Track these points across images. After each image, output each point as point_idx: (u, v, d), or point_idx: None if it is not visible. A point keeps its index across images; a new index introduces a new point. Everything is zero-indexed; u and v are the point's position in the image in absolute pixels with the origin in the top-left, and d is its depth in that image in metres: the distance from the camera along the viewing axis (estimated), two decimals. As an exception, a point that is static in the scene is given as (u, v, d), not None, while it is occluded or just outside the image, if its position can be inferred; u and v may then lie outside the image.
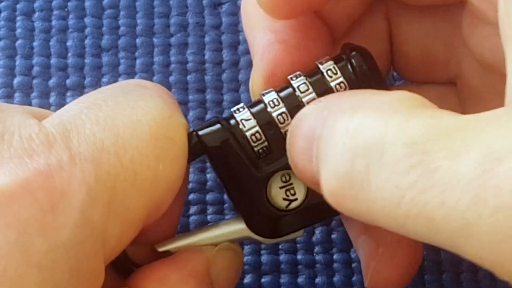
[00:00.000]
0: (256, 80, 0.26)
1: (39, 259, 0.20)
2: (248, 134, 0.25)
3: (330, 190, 0.20)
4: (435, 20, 0.27)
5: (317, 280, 0.31)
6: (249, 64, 0.34)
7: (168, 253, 0.26)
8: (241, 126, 0.25)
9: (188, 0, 0.35)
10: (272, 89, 0.25)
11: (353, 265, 0.31)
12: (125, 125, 0.23)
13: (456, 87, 0.28)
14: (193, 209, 0.32)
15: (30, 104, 0.33)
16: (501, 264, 0.17)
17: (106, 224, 0.22)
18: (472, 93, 0.27)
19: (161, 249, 0.26)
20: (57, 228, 0.21)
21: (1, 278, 0.20)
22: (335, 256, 0.31)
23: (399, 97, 0.20)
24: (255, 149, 0.25)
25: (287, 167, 0.24)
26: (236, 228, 0.26)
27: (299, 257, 0.31)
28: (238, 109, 0.25)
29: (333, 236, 0.32)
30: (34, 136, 0.22)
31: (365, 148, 0.19)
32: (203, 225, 0.32)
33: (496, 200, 0.17)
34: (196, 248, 0.25)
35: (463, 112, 0.27)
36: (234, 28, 0.34)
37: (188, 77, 0.34)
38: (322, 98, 0.23)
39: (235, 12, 0.34)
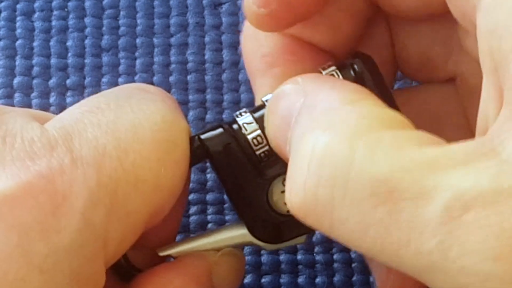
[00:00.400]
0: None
1: (40, 262, 0.20)
2: (250, 137, 0.25)
3: (292, 206, 0.20)
4: (431, 26, 0.27)
5: (317, 280, 0.31)
6: (249, 64, 0.34)
7: (169, 258, 0.26)
8: (243, 130, 0.25)
9: (188, 0, 0.35)
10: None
11: (353, 265, 0.31)
12: (127, 129, 0.23)
13: (456, 85, 0.28)
14: (193, 209, 0.32)
15: (30, 104, 0.33)
16: None
17: (107, 227, 0.22)
18: (471, 91, 0.27)
19: (162, 254, 0.26)
20: (58, 231, 0.21)
21: (2, 281, 0.20)
22: (335, 256, 0.31)
23: (367, 115, 0.20)
24: (257, 153, 0.25)
25: None
26: (237, 233, 0.26)
27: (299, 257, 0.31)
28: (240, 113, 0.25)
29: (333, 236, 0.32)
30: (36, 139, 0.22)
31: (330, 178, 0.19)
32: (203, 225, 0.32)
33: (461, 248, 0.17)
34: (199, 254, 0.25)
35: (464, 110, 0.27)
36: (234, 28, 0.34)
37: (188, 77, 0.34)
38: (299, 78, 0.23)
39: (235, 12, 0.34)
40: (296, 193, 0.20)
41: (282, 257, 0.31)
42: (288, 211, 0.25)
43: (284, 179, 0.25)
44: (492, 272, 0.17)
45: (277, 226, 0.25)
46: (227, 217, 0.32)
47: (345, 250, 0.31)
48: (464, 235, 0.17)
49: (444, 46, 0.27)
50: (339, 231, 0.19)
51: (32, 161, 0.21)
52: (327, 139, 0.19)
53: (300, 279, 0.31)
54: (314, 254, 0.31)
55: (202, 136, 0.25)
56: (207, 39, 0.34)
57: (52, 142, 0.22)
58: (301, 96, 0.22)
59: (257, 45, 0.26)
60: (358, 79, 0.25)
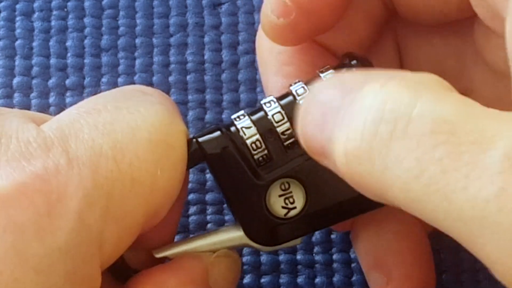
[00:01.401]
0: None
1: (35, 262, 0.20)
2: (248, 142, 0.25)
3: (347, 152, 0.19)
4: (445, 36, 0.27)
5: (317, 280, 0.31)
6: (249, 64, 0.34)
7: (166, 259, 0.26)
8: (241, 133, 0.25)
9: (187, 0, 0.35)
10: (272, 97, 0.25)
11: (353, 265, 0.31)
12: (124, 130, 0.23)
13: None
14: (192, 209, 0.32)
15: (29, 104, 0.33)
16: (509, 266, 0.17)
17: (103, 228, 0.22)
18: (486, 105, 0.27)
19: (159, 255, 0.26)
20: (54, 231, 0.21)
21: None
22: (334, 256, 0.31)
23: (430, 77, 0.20)
24: (255, 157, 0.25)
25: (287, 175, 0.24)
26: (234, 235, 0.26)
27: (298, 257, 0.31)
28: (238, 117, 0.25)
29: (333, 236, 0.32)
30: (32, 140, 0.22)
31: (392, 115, 0.18)
32: (203, 225, 0.32)
33: None
34: (195, 255, 0.25)
35: None
36: (233, 28, 0.34)
37: (188, 77, 0.34)
38: (345, 72, 0.22)
39: (235, 12, 0.34)
40: (353, 136, 0.19)
41: (281, 257, 0.31)
42: (285, 215, 0.25)
43: (281, 183, 0.25)
44: None
45: (274, 228, 0.25)
46: (226, 217, 0.32)
47: (345, 250, 0.31)
48: None
49: (457, 59, 0.27)
50: (392, 172, 0.18)
51: (27, 161, 0.21)
52: (389, 86, 0.19)
53: (300, 279, 0.31)
54: (314, 254, 0.31)
55: (200, 139, 0.25)
56: (206, 39, 0.34)
57: (48, 143, 0.22)
58: (348, 83, 0.21)
59: (272, 43, 0.26)
60: None
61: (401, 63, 0.28)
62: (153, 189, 0.23)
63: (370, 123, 0.19)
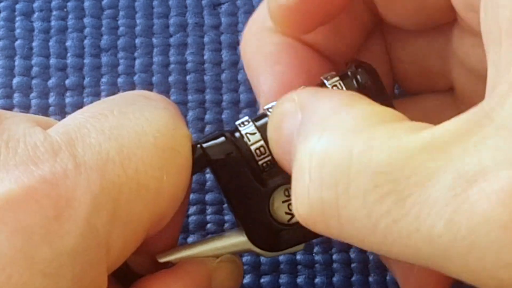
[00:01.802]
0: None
1: (44, 266, 0.20)
2: (253, 148, 0.25)
3: (300, 216, 0.20)
4: (429, 38, 0.27)
5: (317, 280, 0.31)
6: (249, 65, 0.34)
7: (169, 264, 0.26)
8: (245, 139, 0.25)
9: (187, 1, 0.35)
10: (276, 103, 0.25)
11: (353, 265, 0.31)
12: (130, 135, 0.23)
13: (453, 95, 0.28)
14: (192, 209, 0.32)
15: (29, 105, 0.33)
16: (483, 282, 0.17)
17: (110, 232, 0.22)
18: (466, 101, 0.27)
19: (162, 260, 0.26)
20: (62, 235, 0.21)
21: (6, 285, 0.20)
22: (334, 256, 0.31)
23: (362, 114, 0.20)
24: (259, 163, 0.25)
25: (291, 181, 0.25)
26: (237, 240, 0.26)
27: (298, 257, 0.31)
28: (243, 122, 0.25)
29: (333, 236, 0.32)
30: (39, 144, 0.22)
31: (332, 179, 0.19)
32: (203, 225, 0.32)
33: (469, 223, 0.17)
34: (198, 260, 0.26)
35: None
36: (233, 28, 0.34)
37: (188, 77, 0.34)
38: (294, 95, 0.23)
39: (235, 12, 0.34)
40: (302, 202, 0.20)
41: (281, 258, 0.31)
42: (288, 221, 0.25)
43: (285, 189, 0.25)
44: (504, 241, 0.16)
45: (277, 234, 0.25)
46: (226, 217, 0.32)
47: (344, 250, 0.31)
48: (470, 208, 0.17)
49: (439, 57, 0.27)
50: (349, 231, 0.19)
51: (35, 165, 0.21)
52: (323, 142, 0.20)
53: (299, 279, 0.31)
54: (313, 254, 0.31)
55: (204, 145, 0.25)
56: (206, 39, 0.34)
57: (55, 147, 0.22)
58: (298, 113, 0.22)
59: (260, 43, 0.26)
60: (361, 90, 0.24)
61: (390, 63, 0.28)
62: (159, 194, 0.23)
63: (313, 191, 0.19)
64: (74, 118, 0.23)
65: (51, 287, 0.20)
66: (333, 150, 0.19)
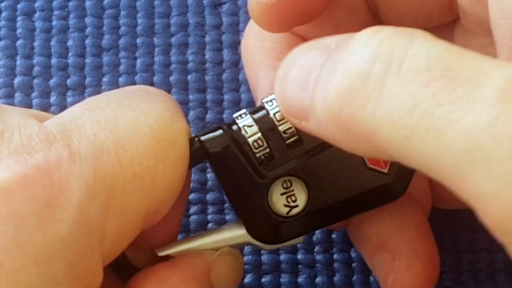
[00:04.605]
0: None
1: (36, 253, 0.20)
2: (250, 140, 0.25)
3: (339, 91, 0.19)
4: None
5: (317, 279, 0.31)
6: (249, 64, 0.34)
7: (168, 258, 0.26)
8: (243, 132, 0.25)
9: (188, 0, 0.35)
10: (274, 95, 0.25)
11: (353, 264, 0.31)
12: (126, 126, 0.23)
13: None
14: (193, 209, 0.32)
15: (30, 104, 0.33)
16: (496, 203, 0.16)
17: (104, 222, 0.22)
18: None
19: (161, 254, 0.26)
20: (54, 223, 0.21)
21: None
22: (335, 256, 0.31)
23: (422, 31, 0.20)
24: (257, 155, 0.25)
25: (289, 173, 0.24)
26: (236, 233, 0.26)
27: (299, 256, 0.31)
28: (240, 115, 0.25)
29: (333, 235, 0.32)
30: (34, 135, 0.22)
31: (387, 54, 0.18)
32: (203, 225, 0.32)
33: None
34: (197, 252, 0.26)
35: None
36: (234, 28, 0.34)
37: (189, 77, 0.34)
38: (328, 38, 0.22)
39: (236, 12, 0.35)
40: (345, 74, 0.19)
41: (282, 257, 0.31)
42: (287, 213, 0.25)
43: (283, 182, 0.25)
44: None
45: (276, 227, 0.25)
46: (227, 217, 0.32)
47: (345, 250, 0.31)
48: None
49: None
50: (386, 109, 0.18)
51: (29, 154, 0.21)
52: (382, 33, 0.19)
53: (300, 279, 0.31)
54: (314, 254, 0.31)
55: (202, 138, 0.25)
56: (207, 39, 0.34)
57: (50, 137, 0.22)
58: (330, 45, 0.21)
59: (261, 40, 0.26)
60: None
61: None
62: (154, 185, 0.23)
63: (364, 62, 0.19)
64: (70, 111, 0.24)
65: (43, 274, 0.20)
66: (394, 35, 0.19)
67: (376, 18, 0.27)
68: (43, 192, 0.21)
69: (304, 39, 0.27)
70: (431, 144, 0.17)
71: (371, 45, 0.19)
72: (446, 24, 0.26)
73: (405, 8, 0.26)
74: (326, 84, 0.20)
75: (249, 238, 0.26)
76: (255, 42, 0.27)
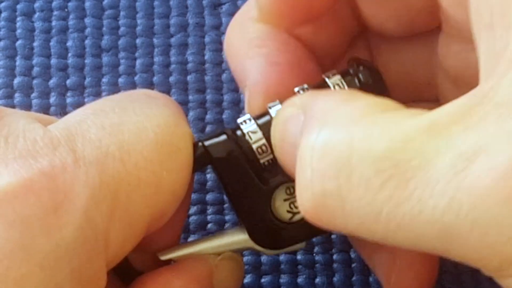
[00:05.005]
0: (256, 99, 0.26)
1: (41, 258, 0.20)
2: (254, 146, 0.25)
3: (305, 210, 0.20)
4: (414, 47, 0.27)
5: (317, 280, 0.31)
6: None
7: (170, 262, 0.26)
8: (247, 137, 0.25)
9: (188, 1, 0.35)
10: (278, 101, 0.25)
11: (353, 265, 0.31)
12: (131, 131, 0.23)
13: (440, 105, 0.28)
14: (193, 209, 0.32)
15: (30, 105, 0.33)
16: (486, 259, 0.17)
17: (109, 227, 0.22)
18: None
19: (163, 258, 0.26)
20: (60, 228, 0.21)
21: (4, 277, 0.20)
22: (335, 256, 0.31)
23: (360, 105, 0.20)
24: (261, 161, 0.25)
25: (292, 179, 0.24)
26: (238, 238, 0.26)
27: (299, 257, 0.31)
28: (244, 121, 0.25)
29: (333, 236, 0.32)
30: (39, 139, 0.22)
31: (334, 170, 0.19)
32: (203, 225, 0.32)
33: (470, 199, 0.17)
34: (200, 257, 0.26)
35: None
36: (234, 29, 0.34)
37: (188, 77, 0.34)
38: (296, 99, 0.23)
39: (235, 13, 0.34)
40: (306, 197, 0.20)
41: (282, 257, 0.31)
42: (290, 219, 0.25)
43: (287, 188, 0.25)
44: (505, 216, 0.16)
45: (278, 232, 0.25)
46: (227, 217, 0.32)
47: (345, 250, 0.31)
48: (471, 185, 0.17)
49: (425, 68, 0.27)
50: (353, 221, 0.19)
51: (34, 159, 0.21)
52: (324, 134, 0.20)
53: (300, 279, 0.31)
54: (314, 254, 0.31)
55: (206, 143, 0.25)
56: (207, 39, 0.34)
57: (55, 142, 0.22)
58: (301, 115, 0.22)
59: (244, 32, 0.26)
60: (363, 88, 0.24)
61: None
62: (159, 190, 0.23)
63: (316, 183, 0.19)
64: (75, 115, 0.24)
65: (49, 279, 0.20)
66: (334, 141, 0.19)
67: (359, 23, 0.27)
68: (48, 197, 0.21)
69: (288, 32, 0.27)
70: (406, 238, 0.18)
71: (316, 160, 0.19)
72: (432, 31, 0.26)
73: (387, 14, 0.26)
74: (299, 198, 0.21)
75: (251, 244, 0.26)
76: (239, 34, 0.27)
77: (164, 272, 0.25)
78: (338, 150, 0.19)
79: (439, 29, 0.26)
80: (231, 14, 0.34)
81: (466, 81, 0.25)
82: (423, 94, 0.28)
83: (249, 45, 0.26)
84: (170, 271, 0.25)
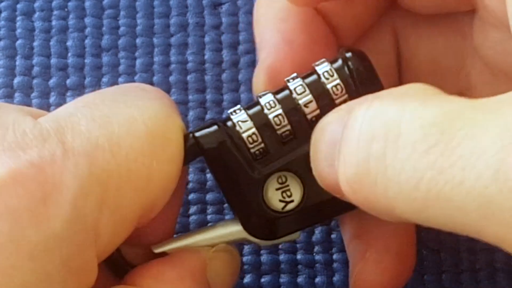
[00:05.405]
0: (260, 75, 0.26)
1: (31, 249, 0.20)
2: (244, 135, 0.25)
3: (347, 179, 0.20)
4: (445, 32, 0.27)
5: (317, 280, 0.31)
6: (249, 64, 0.34)
7: (164, 255, 0.26)
8: (237, 127, 0.25)
9: (188, 0, 0.35)
10: (268, 91, 0.25)
11: (353, 265, 0.31)
12: (121, 123, 0.23)
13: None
14: (193, 209, 0.32)
15: (30, 104, 0.33)
16: None
17: (99, 218, 0.22)
18: None
19: (157, 250, 0.26)
20: (49, 219, 0.21)
21: None
22: (334, 256, 0.31)
23: (414, 86, 0.20)
24: (252, 150, 0.25)
25: (284, 168, 0.24)
26: (232, 230, 0.26)
27: (298, 256, 0.31)
28: (234, 111, 0.25)
29: (333, 236, 0.32)
30: (28, 131, 0.22)
31: (381, 132, 0.19)
32: (203, 225, 0.32)
33: None
34: (193, 249, 0.26)
35: None
36: (234, 28, 0.34)
37: (188, 77, 0.34)
38: (343, 106, 0.23)
39: (235, 12, 0.35)
40: (349, 161, 0.20)
41: (281, 257, 0.31)
42: (282, 208, 0.25)
43: (278, 177, 0.25)
44: None
45: (272, 222, 0.25)
46: (226, 217, 0.32)
47: (345, 250, 0.31)
48: None
49: (456, 57, 0.27)
50: (394, 187, 0.18)
51: (23, 151, 0.21)
52: (376, 104, 0.20)
53: (300, 279, 0.31)
54: (314, 254, 0.31)
55: (197, 134, 0.25)
56: (207, 39, 0.34)
57: (44, 134, 0.22)
58: (345, 116, 0.21)
59: (272, 2, 0.27)
60: (352, 75, 0.25)
61: (399, 57, 0.28)
62: (149, 181, 0.23)
63: (362, 146, 0.19)
64: (66, 108, 0.24)
65: (38, 270, 0.20)
66: (385, 108, 0.19)
67: (393, 5, 0.27)
68: (37, 188, 0.21)
69: (313, 9, 0.27)
70: (443, 210, 0.18)
71: (365, 124, 0.19)
72: (465, 13, 0.26)
73: None
74: (338, 169, 0.20)
75: (245, 234, 0.26)
76: (266, 4, 0.27)
77: (156, 264, 0.25)
78: (389, 115, 0.19)
79: (474, 11, 0.25)
80: (231, 14, 0.34)
81: (506, 70, 0.25)
82: (448, 86, 0.28)
83: (273, 16, 0.26)
84: (163, 263, 0.25)
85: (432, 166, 0.18)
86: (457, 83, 0.27)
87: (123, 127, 0.23)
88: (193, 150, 0.25)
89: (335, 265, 0.31)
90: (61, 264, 0.21)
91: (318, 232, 0.32)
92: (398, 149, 0.18)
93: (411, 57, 0.28)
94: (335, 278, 0.31)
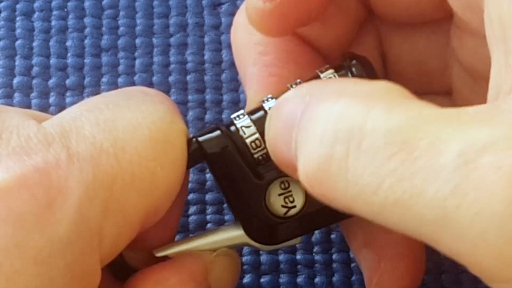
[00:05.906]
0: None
1: (35, 254, 0.20)
2: (248, 141, 0.25)
3: (307, 173, 0.20)
4: (427, 35, 0.27)
5: (316, 280, 0.31)
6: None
7: (166, 258, 0.26)
8: (241, 133, 0.25)
9: (187, 1, 0.35)
10: (271, 95, 0.25)
11: (352, 265, 0.31)
12: (125, 127, 0.23)
13: (451, 98, 0.28)
14: (192, 209, 0.32)
15: (29, 104, 0.33)
16: (479, 256, 0.17)
17: (103, 223, 0.22)
18: (464, 104, 0.27)
19: (159, 254, 0.26)
20: (54, 223, 0.21)
21: None
22: (334, 256, 0.31)
23: (382, 86, 0.20)
24: (255, 156, 0.25)
25: (286, 174, 0.24)
26: (234, 234, 0.26)
27: (298, 257, 0.31)
28: (238, 116, 0.25)
29: (332, 236, 0.32)
30: (33, 136, 0.22)
31: (346, 134, 0.19)
32: (203, 225, 0.32)
33: (476, 193, 0.16)
34: (195, 253, 0.26)
35: None
36: (233, 28, 0.34)
37: (188, 77, 0.34)
38: (304, 84, 0.23)
39: (235, 12, 0.34)
40: (311, 157, 0.20)
41: (281, 257, 0.31)
42: (285, 214, 0.25)
43: (281, 182, 0.25)
44: (508, 216, 0.16)
45: (273, 228, 0.25)
46: (226, 217, 0.32)
47: (344, 250, 0.31)
48: (478, 178, 0.16)
49: (439, 57, 0.27)
50: (353, 189, 0.19)
51: (28, 155, 0.21)
52: (342, 102, 0.19)
53: (299, 279, 0.31)
54: (313, 254, 0.31)
55: (200, 138, 0.25)
56: (206, 39, 0.34)
57: (49, 139, 0.22)
58: (306, 96, 0.21)
59: (249, 33, 0.26)
60: None
61: (384, 62, 0.28)
62: (153, 186, 0.23)
63: (325, 146, 0.19)
64: (69, 112, 0.24)
65: (43, 275, 0.20)
66: (351, 109, 0.19)
67: (367, 11, 0.27)
68: (42, 193, 0.21)
69: (295, 35, 0.27)
70: (400, 217, 0.18)
71: (330, 124, 0.19)
72: (445, 17, 0.26)
73: (397, 2, 0.26)
74: (299, 158, 0.20)
75: (246, 239, 0.26)
76: (243, 36, 0.27)
77: (158, 269, 0.25)
78: (354, 117, 0.19)
79: (451, 17, 0.25)
80: (231, 14, 0.34)
81: (482, 74, 0.25)
82: (434, 86, 0.28)
83: (254, 51, 0.26)
84: (165, 267, 0.25)
85: (392, 174, 0.18)
86: (443, 83, 0.28)
87: (127, 131, 0.23)
88: (196, 154, 0.25)
89: (334, 265, 0.31)
90: (65, 269, 0.21)
91: (317, 232, 0.32)
92: (360, 153, 0.18)
93: (396, 60, 0.28)
94: (334, 278, 0.31)
